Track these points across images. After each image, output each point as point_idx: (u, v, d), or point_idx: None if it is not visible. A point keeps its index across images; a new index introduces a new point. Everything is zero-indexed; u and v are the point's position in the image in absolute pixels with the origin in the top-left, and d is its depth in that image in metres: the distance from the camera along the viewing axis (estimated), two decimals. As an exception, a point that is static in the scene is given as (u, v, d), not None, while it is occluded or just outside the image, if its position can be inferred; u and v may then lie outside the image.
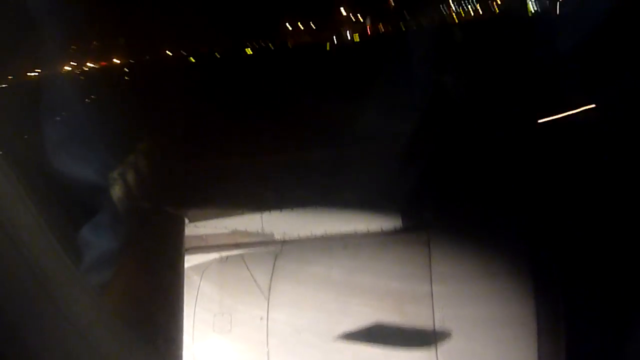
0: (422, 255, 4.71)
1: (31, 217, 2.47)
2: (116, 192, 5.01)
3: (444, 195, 5.08)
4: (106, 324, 2.96)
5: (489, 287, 4.50)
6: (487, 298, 4.47)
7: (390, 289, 4.73)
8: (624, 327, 3.92)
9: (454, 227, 4.86)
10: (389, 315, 4.66)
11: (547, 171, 5.18)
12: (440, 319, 4.45)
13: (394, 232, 5.09)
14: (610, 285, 4.27)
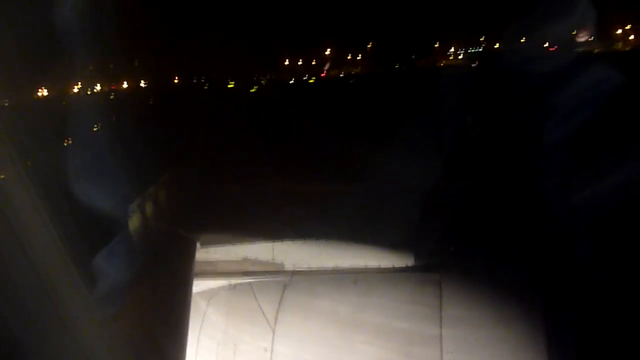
0: (433, 296, 4.65)
1: (49, 237, 2.51)
2: (132, 213, 5.04)
3: (458, 238, 5.04)
4: (112, 346, 2.95)
5: (500, 334, 4.41)
6: (497, 345, 4.38)
7: (398, 329, 4.66)
8: None
9: (466, 270, 4.80)
10: (395, 356, 4.58)
11: (562, 220, 5.14)
12: None
13: (406, 271, 5.04)
14: (625, 332, 4.18)
